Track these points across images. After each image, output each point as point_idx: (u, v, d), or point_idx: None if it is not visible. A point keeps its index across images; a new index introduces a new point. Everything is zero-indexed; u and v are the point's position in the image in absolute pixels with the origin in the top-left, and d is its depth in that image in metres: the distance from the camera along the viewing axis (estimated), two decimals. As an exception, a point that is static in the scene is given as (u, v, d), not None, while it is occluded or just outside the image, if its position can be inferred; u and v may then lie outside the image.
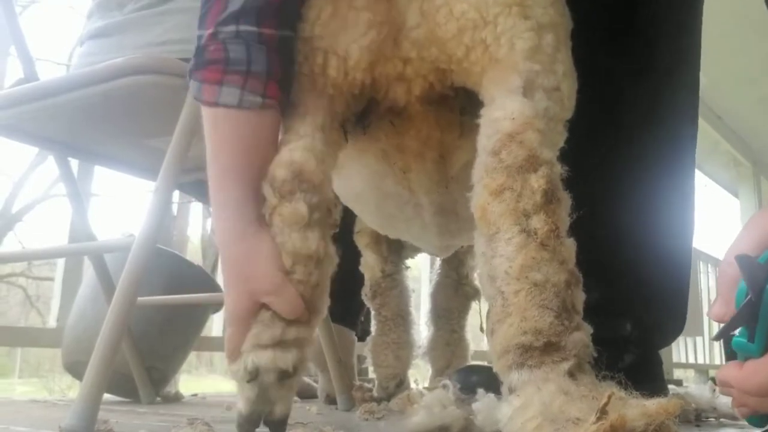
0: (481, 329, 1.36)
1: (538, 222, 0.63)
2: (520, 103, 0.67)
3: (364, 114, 0.84)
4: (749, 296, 0.58)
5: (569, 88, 0.74)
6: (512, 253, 0.63)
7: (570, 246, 0.64)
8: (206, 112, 0.73)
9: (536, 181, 0.63)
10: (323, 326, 1.23)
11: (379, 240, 1.39)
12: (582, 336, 0.62)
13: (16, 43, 1.27)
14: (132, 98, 1.03)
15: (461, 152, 0.85)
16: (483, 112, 0.71)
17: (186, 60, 1.01)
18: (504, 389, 0.63)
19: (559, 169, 0.66)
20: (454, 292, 1.53)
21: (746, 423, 0.67)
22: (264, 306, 0.68)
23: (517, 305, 0.62)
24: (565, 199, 0.67)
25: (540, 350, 0.60)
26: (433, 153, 0.86)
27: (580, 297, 0.64)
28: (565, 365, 0.59)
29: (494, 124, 0.67)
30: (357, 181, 0.95)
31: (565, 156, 0.69)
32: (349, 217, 1.40)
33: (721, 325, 0.62)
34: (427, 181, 0.88)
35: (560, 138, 0.74)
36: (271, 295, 0.68)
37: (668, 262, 1.12)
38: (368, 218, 1.15)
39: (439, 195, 0.91)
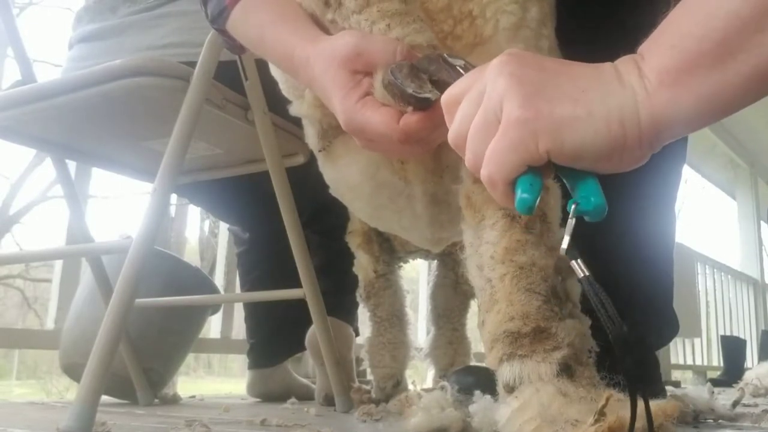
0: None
1: None
2: None
3: None
4: None
5: None
6: (496, 237, 0.63)
7: (562, 235, 0.63)
8: (234, 16, 0.79)
9: None
10: (320, 325, 1.22)
11: (370, 240, 1.39)
12: (577, 324, 0.61)
13: (14, 44, 1.27)
14: (130, 100, 1.03)
15: None
16: None
17: (187, 63, 1.02)
18: (499, 387, 0.63)
19: None
20: (453, 291, 1.54)
21: (744, 425, 0.67)
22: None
23: (503, 290, 0.61)
24: (554, 188, 0.66)
25: (530, 338, 0.59)
26: None
27: (575, 286, 0.63)
28: (558, 354, 0.59)
29: None
30: (354, 170, 0.95)
31: None
32: (344, 217, 1.40)
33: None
34: (422, 171, 0.88)
35: None
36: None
37: (657, 264, 1.12)
38: (359, 209, 1.14)
39: (433, 184, 0.91)
